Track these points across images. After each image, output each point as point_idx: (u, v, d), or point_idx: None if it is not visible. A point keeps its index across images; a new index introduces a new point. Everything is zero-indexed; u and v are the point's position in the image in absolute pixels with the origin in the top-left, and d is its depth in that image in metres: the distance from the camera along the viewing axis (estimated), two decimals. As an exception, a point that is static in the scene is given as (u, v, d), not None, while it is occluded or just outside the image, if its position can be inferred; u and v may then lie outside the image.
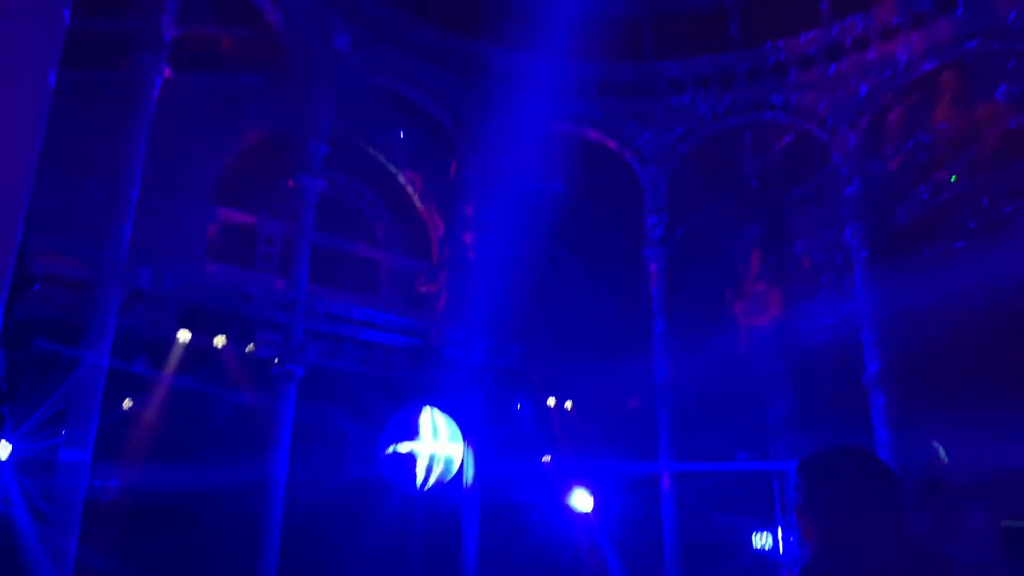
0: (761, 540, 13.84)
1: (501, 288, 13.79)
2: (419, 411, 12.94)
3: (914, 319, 12.46)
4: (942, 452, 12.88)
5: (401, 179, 14.92)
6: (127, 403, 12.30)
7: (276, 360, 12.27)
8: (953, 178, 12.78)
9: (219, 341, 11.50)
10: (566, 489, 15.50)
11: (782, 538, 13.78)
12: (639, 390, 14.43)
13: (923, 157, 13.25)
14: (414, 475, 12.54)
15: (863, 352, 12.90)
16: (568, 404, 15.73)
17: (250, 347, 11.68)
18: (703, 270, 14.72)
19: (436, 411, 13.07)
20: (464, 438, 13.28)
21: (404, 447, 12.68)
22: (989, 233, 12.40)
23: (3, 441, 9.61)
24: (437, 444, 12.82)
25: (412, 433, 12.78)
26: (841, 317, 13.90)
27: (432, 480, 12.73)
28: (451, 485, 13.17)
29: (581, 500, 15.35)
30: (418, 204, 15.05)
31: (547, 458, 15.55)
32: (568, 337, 14.85)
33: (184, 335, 11.09)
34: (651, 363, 14.08)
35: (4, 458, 9.71)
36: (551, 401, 15.55)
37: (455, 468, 13.04)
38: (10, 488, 9.75)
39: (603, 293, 14.64)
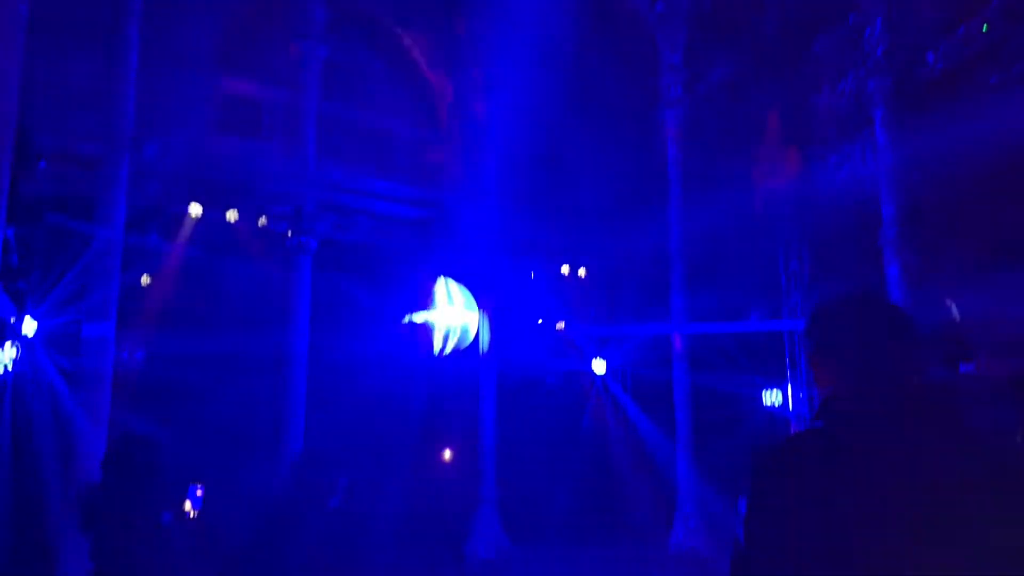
0: (771, 397, 14.19)
1: (512, 155, 13.56)
2: (433, 281, 13.03)
3: (935, 175, 12.24)
4: (955, 309, 12.94)
5: (406, 42, 14.37)
6: (145, 279, 12.45)
7: (289, 233, 12.29)
8: (984, 27, 12.18)
9: (231, 215, 11.46)
10: (580, 354, 15.82)
11: (792, 395, 14.13)
12: (653, 254, 14.41)
13: (953, 4, 12.58)
14: (431, 343, 12.78)
15: (881, 210, 12.75)
16: (582, 271, 15.78)
17: (262, 220, 11.65)
18: (720, 129, 14.35)
19: (450, 281, 13.17)
20: (479, 307, 13.43)
21: (420, 317, 12.86)
22: (1018, 85, 11.93)
23: (28, 318, 9.78)
24: (452, 313, 12.99)
25: (427, 303, 12.93)
26: (860, 175, 13.65)
27: (449, 348, 12.98)
28: (467, 352, 13.44)
29: (595, 364, 15.70)
30: (425, 69, 14.57)
31: (561, 324, 15.76)
32: (581, 203, 14.69)
33: (195, 209, 11.05)
34: (665, 226, 14.01)
35: (31, 335, 9.91)
36: (565, 268, 15.61)
37: (471, 336, 13.26)
38: (43, 363, 10.00)
39: (617, 156, 14.36)
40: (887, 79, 12.94)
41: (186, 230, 11.30)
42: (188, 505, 4.14)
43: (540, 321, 15.16)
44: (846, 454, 1.62)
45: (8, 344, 8.58)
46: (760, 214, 14.23)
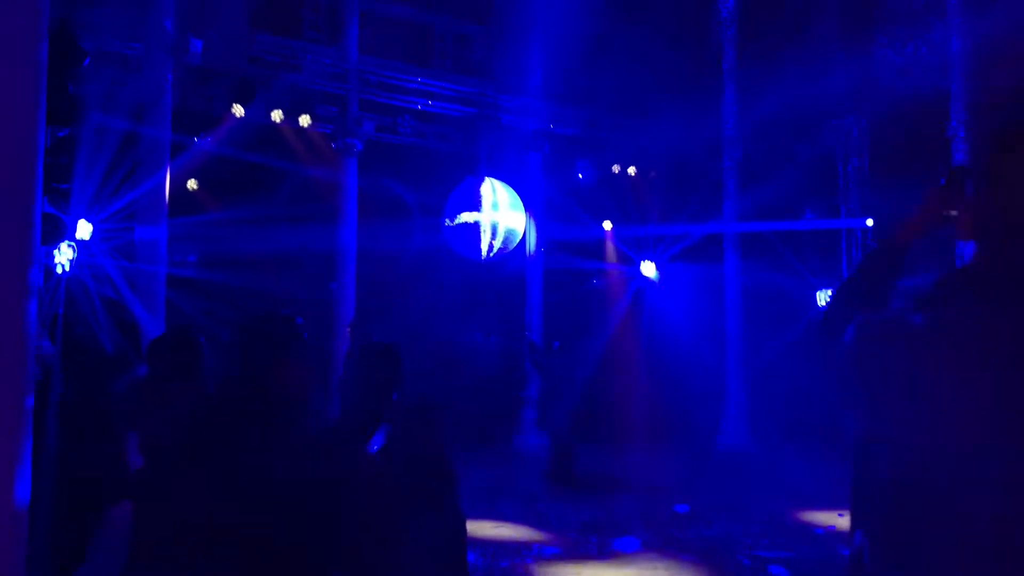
0: (825, 297, 13.89)
1: (559, 49, 13.07)
2: (479, 182, 12.84)
3: (1014, 63, 11.53)
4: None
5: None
6: (192, 183, 12.52)
7: (334, 134, 12.17)
8: None
9: (276, 116, 11.34)
10: (629, 255, 15.63)
11: (847, 296, 13.79)
12: (706, 151, 13.96)
13: None
14: (478, 244, 12.69)
15: (945, 103, 12.11)
16: (632, 170, 15.39)
17: (305, 120, 11.49)
18: (779, 17, 13.60)
19: (496, 181, 12.95)
20: (525, 207, 13.24)
21: (466, 217, 12.73)
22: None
23: (83, 221, 9.93)
24: (498, 214, 12.83)
25: (474, 204, 12.77)
26: (927, 64, 12.91)
27: (496, 249, 12.88)
28: (514, 254, 13.34)
29: (644, 266, 15.51)
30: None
31: (608, 224, 15.51)
32: (631, 99, 14.19)
33: (239, 110, 10.94)
34: (719, 122, 13.50)
35: (87, 238, 10.08)
36: (615, 168, 15.23)
37: (518, 237, 13.12)
38: (100, 265, 10.22)
39: (670, 48, 13.73)
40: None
41: (231, 130, 11.21)
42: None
43: (588, 222, 14.95)
44: (1000, 338, 1.29)
45: (64, 245, 8.74)
46: (819, 107, 13.59)
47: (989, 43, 11.67)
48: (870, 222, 13.50)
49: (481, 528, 7.63)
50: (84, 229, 10.02)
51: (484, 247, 12.55)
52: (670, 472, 11.21)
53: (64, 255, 8.73)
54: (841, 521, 8.19)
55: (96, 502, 5.48)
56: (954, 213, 1.54)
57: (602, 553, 7.29)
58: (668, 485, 10.29)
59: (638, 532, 7.90)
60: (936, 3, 12.62)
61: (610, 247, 15.60)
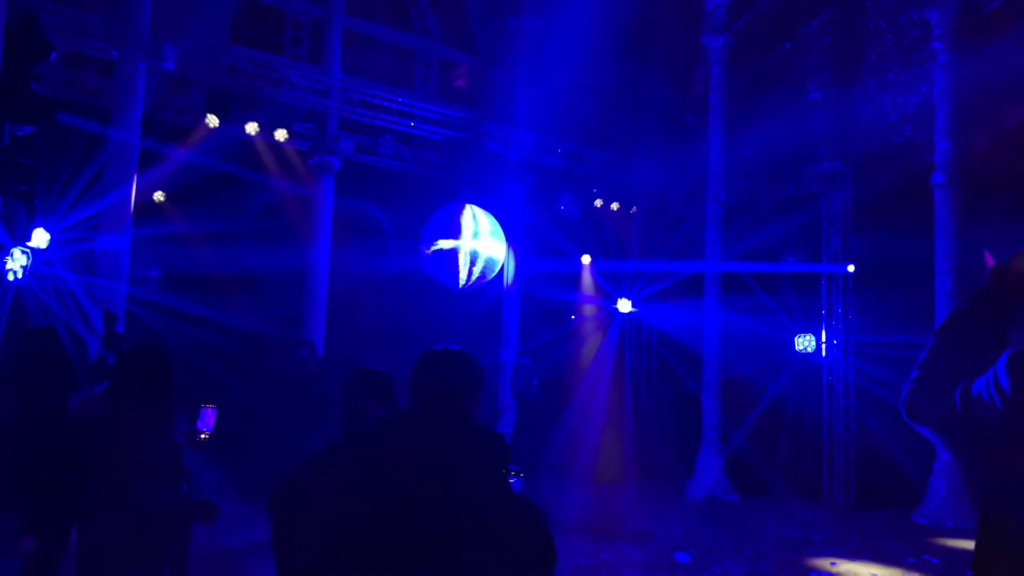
0: (804, 342, 13.69)
1: (545, 80, 12.92)
2: (460, 209, 12.50)
3: (992, 117, 11.62)
4: (991, 260, 12.33)
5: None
6: (159, 195, 12.01)
7: (311, 151, 11.78)
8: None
9: (251, 128, 10.91)
10: (607, 290, 15.38)
11: (825, 340, 13.63)
12: (688, 191, 13.83)
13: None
14: (456, 272, 12.31)
15: (927, 152, 12.15)
16: (614, 205, 15.19)
17: (281, 134, 11.08)
18: (764, 60, 13.60)
19: (477, 209, 12.62)
20: (506, 237, 12.93)
21: (445, 244, 12.36)
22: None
23: (40, 229, 9.35)
24: (478, 242, 12.48)
25: (453, 231, 12.41)
26: (908, 114, 12.97)
27: (474, 278, 12.51)
28: (492, 284, 13.00)
29: (621, 303, 15.27)
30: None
31: (587, 258, 15.26)
32: (617, 135, 14.06)
33: (213, 120, 10.50)
34: (703, 162, 13.37)
35: (44, 246, 9.48)
36: (597, 202, 15.02)
37: (497, 267, 12.78)
38: (56, 275, 9.64)
39: (654, 85, 13.67)
40: (949, 12, 12.13)
41: (203, 141, 10.76)
42: (200, 426, 3.77)
43: (569, 255, 14.68)
44: None
45: (18, 251, 8.17)
46: (802, 152, 13.58)
47: (973, 93, 11.75)
48: (851, 268, 13.40)
49: None
50: (40, 237, 9.43)
51: (462, 275, 12.16)
52: (650, 517, 10.77)
53: (17, 261, 8.17)
54: (835, 569, 7.88)
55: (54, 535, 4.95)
56: None
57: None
58: (653, 531, 9.84)
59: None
60: (922, 53, 12.72)
61: (588, 281, 15.33)
